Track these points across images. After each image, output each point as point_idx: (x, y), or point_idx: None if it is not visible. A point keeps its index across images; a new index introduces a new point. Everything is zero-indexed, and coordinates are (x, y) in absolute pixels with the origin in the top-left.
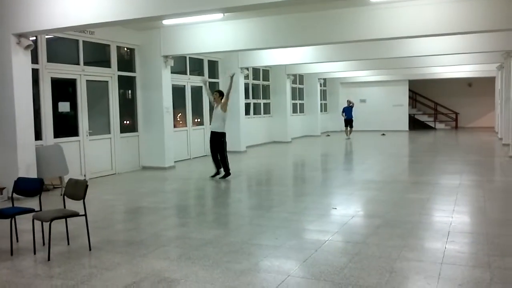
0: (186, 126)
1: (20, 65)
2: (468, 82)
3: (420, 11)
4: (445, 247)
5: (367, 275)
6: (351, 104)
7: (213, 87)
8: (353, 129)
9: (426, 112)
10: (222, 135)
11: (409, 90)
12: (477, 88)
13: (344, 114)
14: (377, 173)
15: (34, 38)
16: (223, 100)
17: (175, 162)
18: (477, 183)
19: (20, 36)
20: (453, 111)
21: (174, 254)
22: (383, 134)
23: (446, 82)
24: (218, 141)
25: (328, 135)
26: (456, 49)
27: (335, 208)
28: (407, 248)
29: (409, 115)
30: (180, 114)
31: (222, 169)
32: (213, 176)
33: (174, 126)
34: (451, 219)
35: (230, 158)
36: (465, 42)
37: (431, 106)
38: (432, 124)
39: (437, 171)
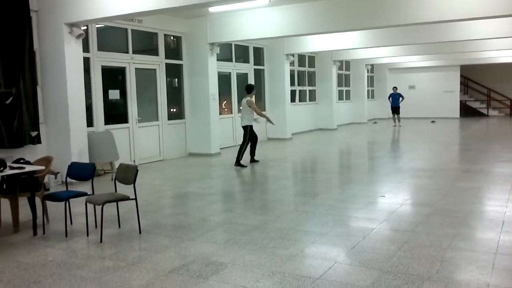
0: (231, 113)
1: (72, 53)
2: None
3: None
4: (500, 237)
5: (417, 264)
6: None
7: (259, 74)
8: (401, 116)
9: (479, 99)
10: None
11: (461, 75)
12: None
13: (390, 99)
14: (426, 161)
15: (85, 27)
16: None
17: (221, 148)
18: None
19: (72, 25)
20: (507, 98)
21: (221, 238)
22: (433, 121)
23: (500, 67)
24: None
25: (375, 122)
26: (511, 32)
27: (383, 196)
28: (458, 237)
29: (461, 101)
30: (225, 101)
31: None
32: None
33: (220, 113)
34: (505, 208)
35: (276, 145)
36: None
37: (484, 92)
38: (484, 111)
39: (490, 159)
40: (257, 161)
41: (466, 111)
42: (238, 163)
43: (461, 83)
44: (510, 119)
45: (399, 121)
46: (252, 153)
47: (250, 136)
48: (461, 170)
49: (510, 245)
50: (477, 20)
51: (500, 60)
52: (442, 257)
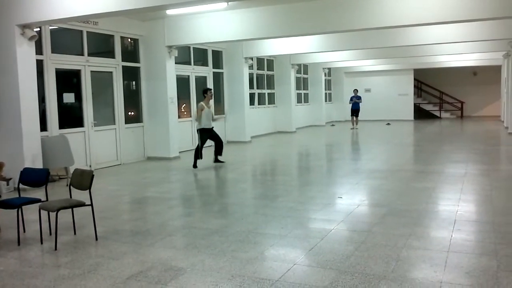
0: (190, 116)
1: (25, 56)
2: (474, 71)
3: None
4: (452, 236)
5: (374, 263)
6: (357, 94)
7: (218, 77)
8: (358, 118)
9: (431, 101)
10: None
11: (414, 79)
12: (483, 76)
13: (351, 102)
14: (382, 163)
15: (38, 29)
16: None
17: (180, 152)
18: (483, 172)
19: (24, 27)
20: (458, 100)
21: (180, 243)
22: (388, 124)
23: (451, 71)
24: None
25: (333, 125)
26: (461, 37)
27: (341, 197)
28: (413, 237)
29: (414, 104)
30: (184, 104)
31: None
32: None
33: (179, 117)
34: (457, 207)
35: (235, 148)
36: (471, 30)
37: (437, 95)
38: (437, 113)
39: (442, 160)
40: (222, 162)
41: (420, 114)
42: (195, 164)
43: (414, 86)
44: (461, 121)
45: (356, 123)
46: (217, 153)
47: (204, 138)
48: (415, 171)
49: (462, 243)
50: (429, 26)
51: (451, 64)
52: (398, 256)
